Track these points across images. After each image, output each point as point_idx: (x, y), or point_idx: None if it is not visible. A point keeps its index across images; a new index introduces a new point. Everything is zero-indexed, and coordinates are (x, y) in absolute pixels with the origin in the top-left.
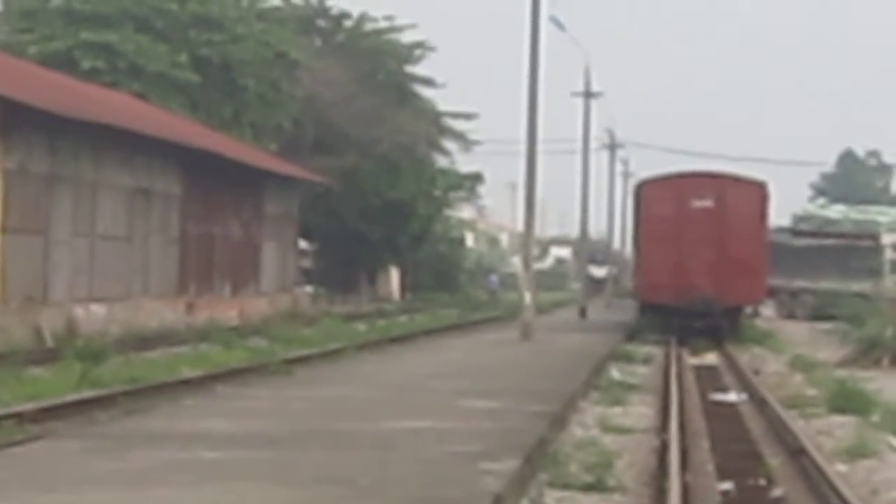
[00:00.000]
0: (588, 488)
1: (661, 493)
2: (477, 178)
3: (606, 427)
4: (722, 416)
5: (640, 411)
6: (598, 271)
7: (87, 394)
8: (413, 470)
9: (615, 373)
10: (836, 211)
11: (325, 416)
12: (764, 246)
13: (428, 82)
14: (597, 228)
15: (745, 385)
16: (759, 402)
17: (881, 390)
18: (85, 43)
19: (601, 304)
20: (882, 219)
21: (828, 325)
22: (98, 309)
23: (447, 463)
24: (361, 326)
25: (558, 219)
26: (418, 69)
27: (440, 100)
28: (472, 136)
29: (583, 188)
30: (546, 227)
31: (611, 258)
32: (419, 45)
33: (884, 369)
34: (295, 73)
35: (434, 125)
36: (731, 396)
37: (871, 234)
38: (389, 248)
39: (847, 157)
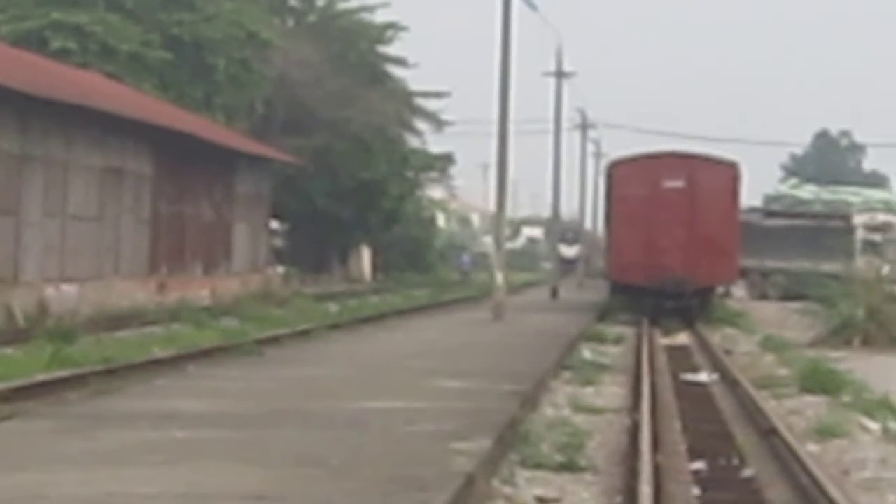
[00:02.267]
0: (560, 468)
1: (632, 473)
2: (448, 158)
3: (578, 407)
4: (693, 397)
5: (611, 391)
6: (569, 251)
7: (59, 373)
8: (385, 450)
9: (587, 353)
10: (808, 191)
11: (297, 396)
12: (735, 226)
13: (400, 62)
14: (569, 209)
15: (716, 365)
16: (730, 382)
17: (852, 370)
18: (56, 23)
19: (573, 284)
20: (853, 199)
21: (799, 306)
22: (69, 289)
23: (419, 443)
24: (333, 306)
25: (530, 199)
26: (390, 49)
27: (412, 80)
28: (444, 117)
29: (554, 168)
30: (518, 208)
31: (581, 238)
32: (391, 25)
33: (855, 350)
34: (266, 53)
35: (406, 105)
36: (703, 376)
37: (842, 215)
38: (361, 228)
39: (821, 138)
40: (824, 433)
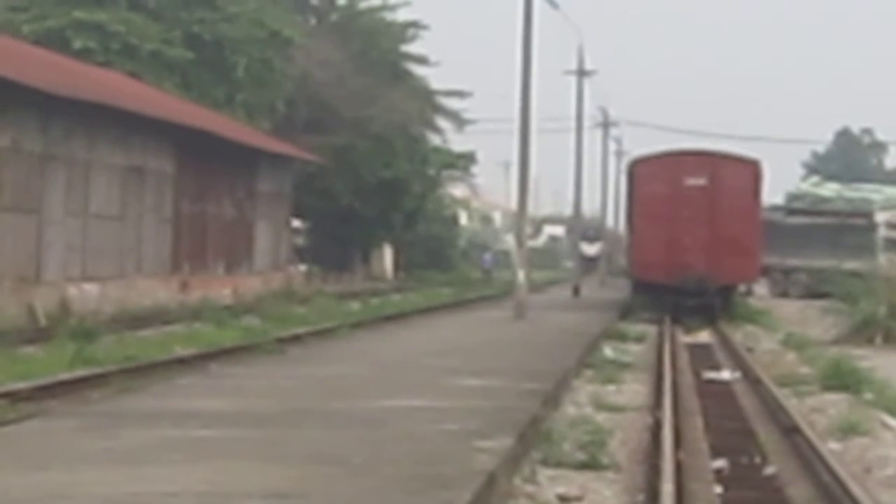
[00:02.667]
0: (581, 466)
1: (654, 471)
2: (470, 157)
3: (600, 405)
4: (715, 394)
5: (633, 389)
6: (590, 249)
7: (81, 372)
8: (406, 448)
9: (608, 351)
10: (830, 189)
11: (319, 395)
12: (757, 224)
13: (421, 61)
14: (590, 207)
15: (738, 363)
16: (752, 380)
17: (874, 368)
18: (77, 22)
19: (595, 282)
20: (875, 197)
21: (821, 304)
22: (91, 288)
23: (440, 441)
24: (355, 305)
25: (552, 197)
26: (412, 48)
27: (434, 78)
28: (466, 115)
29: (576, 166)
30: (539, 206)
31: (603, 236)
32: (413, 23)
33: (877, 347)
34: (288, 52)
35: (428, 104)
36: (725, 374)
37: (864, 213)
38: (383, 227)
39: (843, 136)
40: (846, 431)
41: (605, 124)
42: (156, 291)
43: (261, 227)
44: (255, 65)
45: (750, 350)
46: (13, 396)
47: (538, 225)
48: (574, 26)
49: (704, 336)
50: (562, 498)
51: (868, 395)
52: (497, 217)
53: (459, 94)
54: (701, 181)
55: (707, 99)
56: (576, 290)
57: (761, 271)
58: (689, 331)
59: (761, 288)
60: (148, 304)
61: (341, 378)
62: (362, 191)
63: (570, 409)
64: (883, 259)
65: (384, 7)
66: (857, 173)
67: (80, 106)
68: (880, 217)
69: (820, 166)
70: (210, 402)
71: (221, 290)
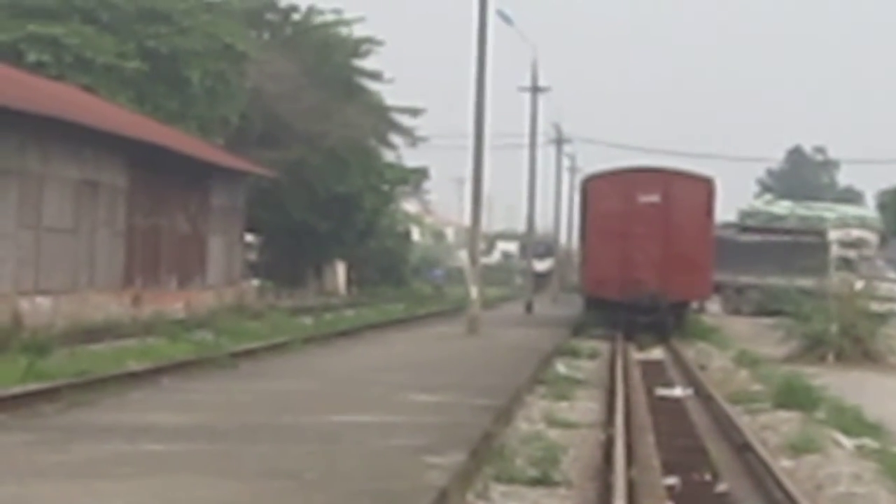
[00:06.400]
0: (534, 482)
1: (606, 488)
2: (423, 172)
3: (552, 421)
4: (667, 411)
5: (585, 406)
6: (541, 265)
7: (33, 386)
8: (358, 463)
9: (561, 367)
10: (783, 207)
11: (271, 410)
12: (710, 241)
13: (375, 76)
14: (544, 223)
15: (690, 380)
16: (704, 397)
17: (826, 386)
18: (31, 35)
19: (547, 298)
20: (828, 215)
21: (773, 321)
22: (44, 301)
23: (393, 456)
24: (308, 320)
25: (505, 213)
26: (366, 63)
27: (388, 94)
28: (419, 132)
29: (530, 183)
30: (493, 222)
31: (554, 252)
32: (367, 39)
33: (829, 366)
34: (242, 66)
35: (381, 119)
36: (677, 391)
37: (817, 231)
38: (336, 242)
39: (795, 153)
40: (798, 449)
41: (559, 141)
42: (108, 305)
43: (214, 242)
44: (209, 78)
45: (702, 367)
46: None
47: (491, 241)
48: (528, 43)
49: (657, 353)
50: None
51: (820, 414)
52: (450, 233)
53: (413, 112)
54: (654, 198)
55: (661, 116)
56: (528, 307)
57: (714, 288)
58: (641, 347)
59: (714, 305)
60: (100, 318)
61: (294, 393)
62: (315, 206)
63: (522, 426)
64: (835, 277)
65: (339, 22)
66: (809, 191)
67: (34, 119)
68: (833, 235)
69: (773, 184)
70: (163, 416)
71: (174, 305)
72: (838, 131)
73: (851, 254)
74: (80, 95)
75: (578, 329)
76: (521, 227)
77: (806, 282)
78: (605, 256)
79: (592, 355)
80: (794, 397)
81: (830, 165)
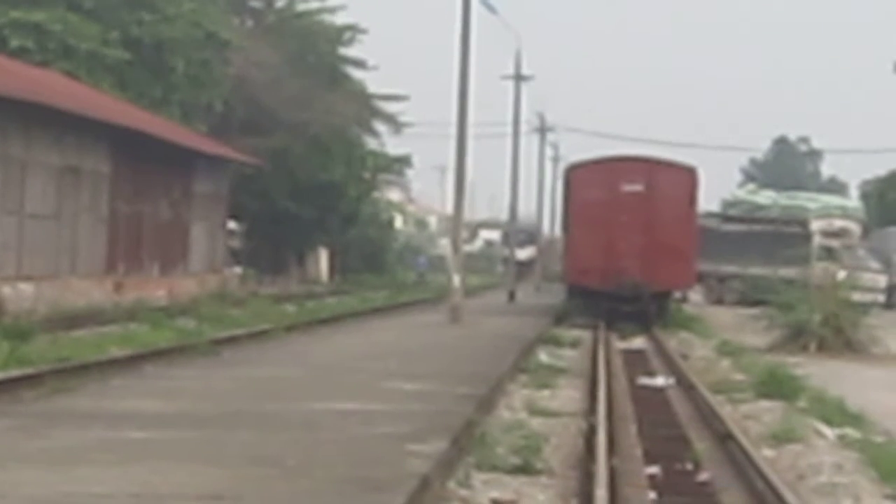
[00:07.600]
0: (515, 471)
1: (588, 477)
2: (406, 160)
3: (534, 410)
4: (649, 401)
5: (567, 395)
6: (523, 253)
7: (14, 372)
8: (340, 451)
9: (543, 356)
10: (766, 197)
11: (253, 397)
12: (693, 231)
13: (359, 64)
14: (526, 212)
15: (672, 369)
16: (686, 386)
17: (808, 376)
18: (15, 21)
19: (530, 287)
20: (811, 205)
21: (755, 311)
22: (26, 287)
23: (374, 444)
24: (290, 307)
25: (488, 202)
26: (349, 51)
27: (371, 82)
28: (402, 119)
29: (513, 171)
30: (475, 211)
31: (536, 240)
32: (350, 27)
33: (811, 355)
34: (225, 54)
35: (365, 107)
36: (659, 381)
37: (799, 221)
38: (319, 230)
39: (780, 143)
40: (780, 438)
41: (542, 129)
42: (91, 292)
43: (197, 229)
44: (192, 66)
45: (684, 357)
46: None
47: (474, 230)
48: (512, 31)
49: (639, 342)
50: (496, 502)
51: (802, 403)
52: (432, 221)
53: (396, 99)
54: (637, 187)
55: (645, 105)
56: (511, 295)
57: (696, 278)
58: (623, 337)
59: (696, 295)
60: (83, 305)
61: (276, 380)
62: (298, 193)
63: (504, 414)
64: (818, 267)
65: (322, 10)
66: (794, 181)
67: (16, 105)
68: (815, 225)
69: (757, 173)
70: (145, 403)
71: (156, 292)
72: (823, 121)
73: (834, 244)
74: (63, 81)
75: (561, 318)
76: (503, 215)
77: (788, 271)
78: (588, 245)
79: (574, 344)
80: (776, 387)
81: (815, 155)
